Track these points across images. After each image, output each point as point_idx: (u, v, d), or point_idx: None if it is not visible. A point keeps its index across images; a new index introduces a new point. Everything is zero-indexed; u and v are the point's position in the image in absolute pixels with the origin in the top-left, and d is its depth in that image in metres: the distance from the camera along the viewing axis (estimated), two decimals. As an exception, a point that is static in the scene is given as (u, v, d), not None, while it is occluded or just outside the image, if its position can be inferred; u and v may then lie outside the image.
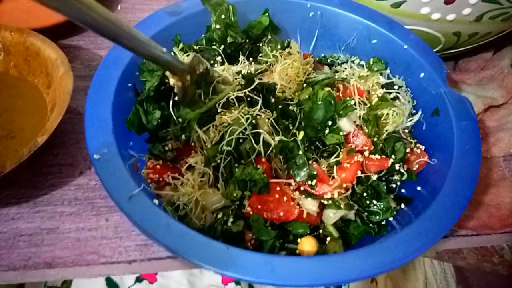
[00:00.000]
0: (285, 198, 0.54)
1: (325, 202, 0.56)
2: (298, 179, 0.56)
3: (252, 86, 0.62)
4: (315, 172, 0.56)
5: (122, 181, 0.49)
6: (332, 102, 0.62)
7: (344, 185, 0.57)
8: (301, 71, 0.67)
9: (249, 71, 0.69)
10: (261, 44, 0.75)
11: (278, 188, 0.55)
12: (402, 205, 0.60)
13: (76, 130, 0.77)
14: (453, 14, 0.70)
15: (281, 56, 0.71)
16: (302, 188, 0.57)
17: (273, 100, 0.63)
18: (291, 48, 0.73)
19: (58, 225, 0.66)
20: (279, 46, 0.74)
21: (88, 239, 0.64)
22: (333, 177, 0.58)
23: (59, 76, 0.72)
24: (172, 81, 0.55)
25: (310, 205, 0.55)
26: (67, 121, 0.76)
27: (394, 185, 0.63)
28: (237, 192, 0.54)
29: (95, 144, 0.52)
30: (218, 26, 0.69)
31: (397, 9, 0.73)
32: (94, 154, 0.51)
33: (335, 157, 0.59)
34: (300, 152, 0.57)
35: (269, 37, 0.74)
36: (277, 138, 0.58)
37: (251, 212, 0.54)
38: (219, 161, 0.55)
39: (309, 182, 0.56)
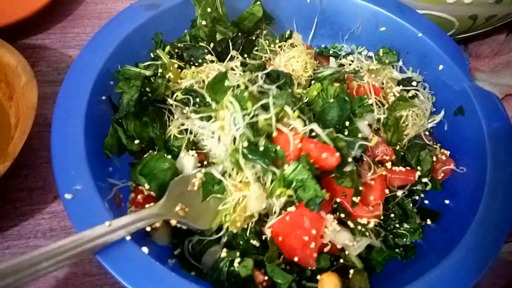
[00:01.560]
0: (314, 231, 0.44)
1: (351, 225, 0.48)
2: (344, 184, 0.47)
3: (266, 71, 0.52)
4: (361, 188, 0.48)
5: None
6: (347, 98, 0.53)
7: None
8: (309, 65, 0.58)
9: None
10: (254, 38, 0.66)
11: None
12: (429, 221, 0.53)
13: (46, 146, 0.65)
14: (472, -5, 0.62)
15: (280, 49, 0.62)
16: (338, 201, 0.48)
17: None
18: (294, 38, 0.63)
19: (33, 263, 0.57)
20: (277, 41, 0.64)
21: (69, 277, 0.56)
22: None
23: (21, 87, 0.62)
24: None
25: (346, 240, 0.47)
26: (35, 135, 0.66)
27: (416, 197, 0.56)
28: (283, 190, 0.45)
29: (66, 181, 0.42)
30: (204, 22, 0.59)
31: (408, -8, 0.64)
32: (65, 194, 0.41)
33: (372, 173, 0.50)
34: (350, 159, 0.47)
35: (264, 30, 0.65)
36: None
37: (269, 237, 0.46)
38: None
39: (354, 199, 0.47)
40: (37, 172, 0.64)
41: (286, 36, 0.67)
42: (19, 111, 0.63)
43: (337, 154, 0.46)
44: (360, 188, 0.47)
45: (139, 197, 0.48)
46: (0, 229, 0.59)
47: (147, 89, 0.53)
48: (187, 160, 0.52)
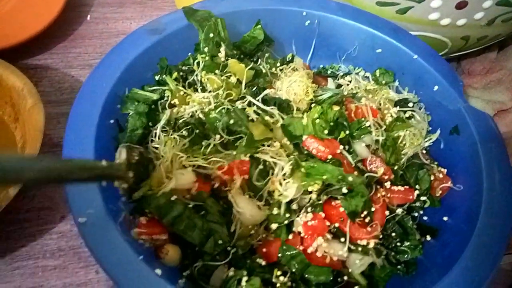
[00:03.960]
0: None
1: (352, 247, 0.50)
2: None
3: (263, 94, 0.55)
4: (373, 209, 0.50)
5: (116, 250, 0.41)
6: (345, 123, 0.55)
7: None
8: (310, 89, 0.60)
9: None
10: (256, 59, 0.68)
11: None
12: (428, 238, 0.55)
13: (52, 167, 0.68)
14: (464, 19, 0.64)
15: (281, 72, 0.64)
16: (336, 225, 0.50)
17: None
18: (296, 63, 0.65)
19: (42, 283, 0.58)
20: (278, 64, 0.66)
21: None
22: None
23: (27, 109, 0.63)
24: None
25: (339, 251, 0.48)
26: (41, 156, 0.67)
27: (416, 214, 0.58)
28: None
29: (80, 204, 0.44)
30: (206, 49, 0.61)
31: (403, 15, 0.67)
32: (79, 218, 0.43)
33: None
34: (356, 173, 0.50)
35: (266, 53, 0.67)
36: None
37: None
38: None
39: (365, 212, 0.49)
40: (44, 192, 0.65)
41: (288, 60, 0.68)
42: (25, 133, 0.64)
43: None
44: (372, 209, 0.50)
45: (142, 219, 0.49)
46: (8, 250, 0.59)
47: (150, 123, 0.56)
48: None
